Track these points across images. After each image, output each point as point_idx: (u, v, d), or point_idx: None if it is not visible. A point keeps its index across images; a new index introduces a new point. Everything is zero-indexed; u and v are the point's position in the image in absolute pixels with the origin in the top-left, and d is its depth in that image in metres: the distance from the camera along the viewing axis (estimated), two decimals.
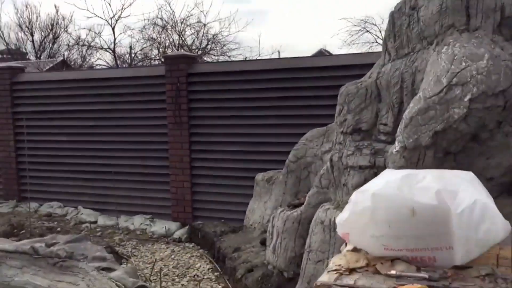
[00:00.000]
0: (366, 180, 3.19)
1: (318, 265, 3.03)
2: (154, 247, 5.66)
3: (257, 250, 4.40)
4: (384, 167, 3.15)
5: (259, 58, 17.39)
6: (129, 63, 20.74)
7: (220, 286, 4.36)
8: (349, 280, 1.66)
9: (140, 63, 20.24)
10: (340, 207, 3.01)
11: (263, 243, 4.45)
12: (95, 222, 6.68)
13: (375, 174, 3.17)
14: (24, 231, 5.77)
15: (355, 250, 1.88)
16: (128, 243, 5.76)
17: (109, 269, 4.43)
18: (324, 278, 1.68)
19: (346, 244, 2.03)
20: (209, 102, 6.42)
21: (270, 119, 6.07)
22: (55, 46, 27.82)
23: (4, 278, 4.83)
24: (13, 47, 27.67)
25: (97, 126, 7.16)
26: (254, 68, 6.29)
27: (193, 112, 6.50)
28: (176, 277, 4.64)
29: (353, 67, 5.45)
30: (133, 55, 20.83)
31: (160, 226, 6.18)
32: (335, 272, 1.71)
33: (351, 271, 1.73)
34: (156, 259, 5.05)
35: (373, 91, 3.24)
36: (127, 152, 6.96)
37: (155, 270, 4.77)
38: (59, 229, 6.10)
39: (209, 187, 6.43)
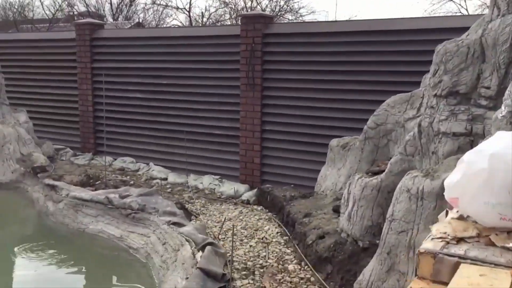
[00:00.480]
0: (460, 149, 2.91)
1: (401, 236, 2.81)
2: (222, 207, 5.65)
3: (329, 217, 4.24)
4: (482, 135, 2.84)
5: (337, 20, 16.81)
6: (203, 24, 20.82)
7: (289, 250, 4.26)
8: (457, 249, 1.45)
9: None
10: (430, 174, 2.76)
11: (336, 210, 4.27)
12: (165, 179, 6.78)
13: (472, 143, 2.87)
14: (99, 181, 5.94)
15: (461, 218, 1.65)
16: (197, 201, 5.78)
17: (179, 224, 4.45)
18: (429, 245, 1.48)
19: (447, 211, 1.80)
20: (284, 64, 6.22)
21: (347, 84, 5.79)
22: (132, 8, 28.48)
23: (79, 225, 5.01)
24: (92, 9, 28.63)
25: (171, 84, 7.18)
26: (332, 30, 5.97)
27: (267, 74, 6.34)
28: (244, 238, 4.59)
29: (433, 31, 5.04)
30: (205, 18, 20.87)
31: (228, 187, 6.16)
32: (440, 240, 1.51)
33: (459, 240, 1.51)
34: (224, 219, 5.02)
35: (476, 50, 2.90)
36: (199, 112, 6.95)
37: (224, 229, 4.74)
38: (132, 182, 6.24)
39: (279, 151, 6.30)
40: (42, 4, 25.83)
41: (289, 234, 4.57)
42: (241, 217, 5.22)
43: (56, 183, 5.74)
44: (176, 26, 21.40)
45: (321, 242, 3.87)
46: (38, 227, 5.43)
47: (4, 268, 4.43)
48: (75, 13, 26.79)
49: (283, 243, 4.44)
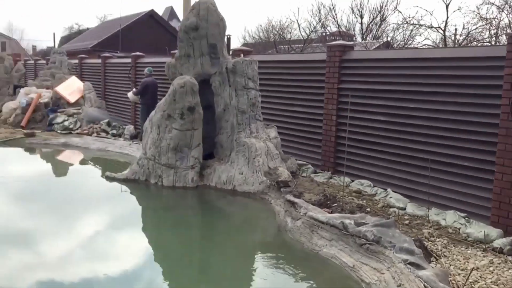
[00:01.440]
0: None
1: None
2: (468, 251, 4.97)
3: None
4: None
5: None
6: (458, 44, 19.42)
7: None
8: None
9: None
10: None
11: None
12: (404, 208, 6.38)
13: None
14: (336, 204, 5.94)
15: None
16: (438, 239, 5.24)
17: (417, 266, 4.07)
18: None
19: None
20: None
21: None
22: (381, 27, 28.57)
23: (314, 246, 5.05)
24: (343, 29, 29.74)
25: (418, 108, 6.76)
26: None
27: None
28: None
29: None
30: (460, 36, 19.40)
31: (476, 229, 5.41)
32: None
33: None
34: (472, 269, 4.39)
35: None
36: (446, 140, 6.35)
37: (470, 281, 4.14)
38: (368, 209, 6.06)
39: None
40: (299, 26, 27.94)
41: None
42: (491, 269, 4.49)
43: (296, 200, 5.96)
44: (429, 46, 20.48)
45: None
46: (276, 240, 5.71)
47: (244, 274, 4.76)
48: (327, 33, 28.26)
49: None
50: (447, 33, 21.45)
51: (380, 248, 4.46)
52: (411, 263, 4.09)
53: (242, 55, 9.00)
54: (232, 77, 7.77)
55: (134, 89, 11.96)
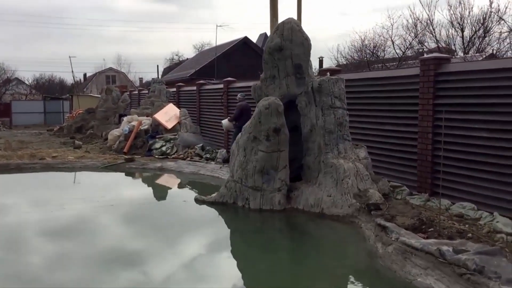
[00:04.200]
0: None
1: None
2: None
3: None
4: None
5: None
6: None
7: None
8: None
9: None
10: None
11: None
12: None
13: None
14: (432, 229, 5.43)
15: None
16: None
17: None
18: None
19: None
20: None
21: None
22: (485, 39, 26.70)
23: (407, 275, 4.63)
24: (442, 44, 28.23)
25: None
26: None
27: None
28: None
29: None
30: None
31: None
32: None
33: None
34: None
35: None
36: None
37: None
38: (470, 234, 5.46)
39: None
40: (393, 43, 27.04)
41: None
42: None
43: (387, 224, 5.56)
44: None
45: None
46: (365, 266, 5.33)
47: None
48: (425, 49, 27.00)
49: None
50: None
51: (484, 279, 3.95)
52: None
53: (328, 74, 8.79)
54: (318, 97, 7.58)
55: (229, 117, 12.18)
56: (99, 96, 25.43)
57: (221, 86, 15.03)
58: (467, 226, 6.13)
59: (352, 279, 5.07)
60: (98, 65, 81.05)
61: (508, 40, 23.82)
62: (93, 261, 5.44)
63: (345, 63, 29.87)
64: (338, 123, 7.46)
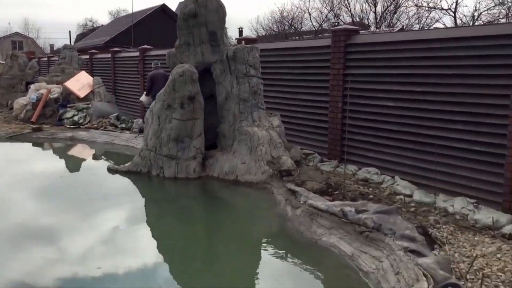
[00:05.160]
0: None
1: None
2: (476, 238, 4.72)
3: None
4: None
5: None
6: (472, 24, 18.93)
7: None
8: None
9: None
10: None
11: None
12: (410, 196, 6.14)
13: None
14: (338, 192, 5.73)
15: None
16: (444, 227, 4.99)
17: (418, 253, 3.85)
18: None
19: None
20: None
21: None
22: (396, 15, 28.00)
23: (313, 235, 4.86)
24: (357, 18, 29.23)
25: (426, 92, 6.49)
26: None
27: None
28: (500, 284, 3.67)
29: None
30: (475, 16, 18.88)
31: (485, 215, 5.15)
32: None
33: None
34: (476, 255, 4.15)
35: None
36: (456, 124, 6.08)
37: (474, 268, 3.90)
38: (371, 196, 5.83)
39: None
40: (310, 15, 27.55)
41: None
42: (498, 255, 4.24)
43: (296, 188, 5.78)
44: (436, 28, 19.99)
45: None
46: (275, 230, 5.54)
47: (244, 264, 4.60)
48: (340, 23, 27.81)
49: None
50: (462, 15, 20.90)
51: (380, 235, 4.26)
52: (412, 251, 3.88)
53: (243, 42, 8.80)
54: (233, 65, 7.58)
55: (145, 92, 11.61)
56: (3, 62, 23.60)
57: (137, 54, 14.54)
58: (370, 189, 6.53)
59: (264, 242, 5.24)
60: (2, 29, 74.85)
61: (415, 16, 25.18)
62: (1, 238, 5.11)
63: (264, 34, 30.05)
64: (253, 92, 7.54)
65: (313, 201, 5.22)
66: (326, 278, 4.20)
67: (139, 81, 14.32)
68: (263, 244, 5.17)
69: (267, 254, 4.83)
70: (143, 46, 14.45)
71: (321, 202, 5.13)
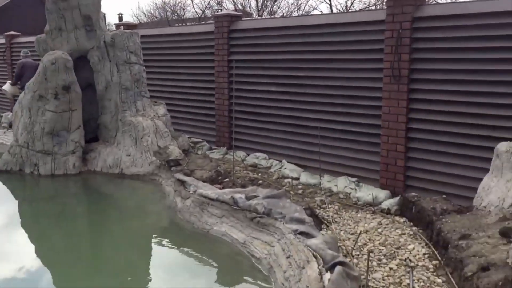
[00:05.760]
0: None
1: None
2: (358, 215, 4.97)
3: (494, 242, 3.34)
4: None
5: None
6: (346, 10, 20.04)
7: (440, 280, 3.46)
8: None
9: None
10: None
11: (505, 234, 3.36)
12: (298, 178, 6.31)
13: None
14: (227, 179, 5.67)
15: None
16: (329, 206, 5.19)
17: (307, 235, 3.92)
18: None
19: None
20: (437, 53, 5.29)
21: None
22: (276, 3, 28.68)
23: (204, 225, 4.75)
24: (239, 6, 29.44)
25: (307, 77, 6.67)
26: (504, 8, 4.86)
27: (416, 64, 5.47)
28: (383, 257, 3.88)
29: None
30: (349, 4, 20.01)
31: (366, 192, 5.45)
32: None
33: None
34: (360, 232, 4.35)
35: None
36: (336, 107, 6.33)
37: (359, 244, 4.09)
38: (260, 181, 5.87)
39: (428, 153, 5.40)
40: (192, 2, 27.19)
41: (440, 258, 3.75)
42: (379, 230, 4.50)
43: (185, 178, 5.61)
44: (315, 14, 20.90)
45: (484, 276, 3.02)
46: (165, 222, 5.34)
47: (133, 260, 4.34)
48: (223, 10, 27.79)
49: (431, 269, 3.64)
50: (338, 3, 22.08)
51: (271, 220, 4.27)
52: (301, 233, 3.94)
53: (122, 28, 8.34)
54: (112, 52, 7.13)
55: (10, 81, 10.44)
56: None
57: (3, 41, 13.17)
58: (259, 174, 6.59)
59: (154, 236, 5.02)
60: None
61: (295, 5, 26.04)
62: None
63: (146, 21, 29.07)
64: (135, 80, 7.17)
65: (203, 190, 5.10)
66: (220, 267, 4.12)
67: (6, 71, 13.00)
68: (153, 239, 4.95)
69: (158, 248, 4.63)
70: (9, 33, 13.12)
71: (211, 191, 5.03)
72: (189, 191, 5.31)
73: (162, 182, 6.26)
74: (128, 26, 9.53)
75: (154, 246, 4.75)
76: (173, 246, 4.63)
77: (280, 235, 4.04)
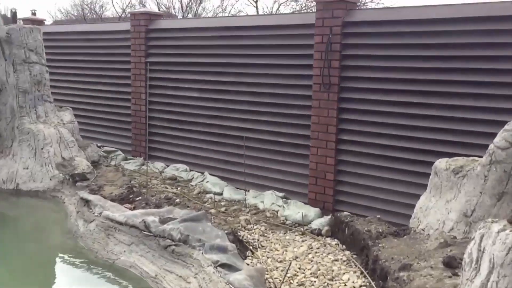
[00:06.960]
0: None
1: None
2: (287, 237, 4.49)
3: (439, 274, 2.97)
4: None
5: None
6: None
7: None
8: None
9: None
10: None
11: (449, 264, 3.01)
12: (221, 193, 5.74)
13: None
14: (140, 197, 4.98)
15: None
16: (255, 227, 4.66)
17: (230, 267, 3.36)
18: None
19: None
20: (369, 60, 4.97)
21: (461, 87, 4.41)
22: (202, 5, 28.01)
23: (110, 254, 4.04)
24: (163, 8, 28.44)
25: (232, 82, 6.14)
26: (442, 15, 4.60)
27: (347, 72, 5.12)
28: None
29: None
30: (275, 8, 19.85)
31: (295, 210, 4.99)
32: None
33: None
34: (290, 261, 3.85)
35: None
36: (262, 116, 5.85)
37: (288, 275, 3.59)
38: (178, 200, 5.23)
39: (359, 167, 5.06)
40: (112, 1, 25.84)
41: None
42: (310, 255, 4.04)
43: (90, 197, 4.85)
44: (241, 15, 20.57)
45: None
46: (64, 250, 4.52)
47: None
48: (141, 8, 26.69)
49: None
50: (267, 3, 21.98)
51: (188, 249, 3.67)
52: (223, 265, 3.38)
53: (21, 22, 7.37)
54: (7, 49, 6.18)
55: None
56: None
57: None
58: (179, 188, 5.96)
59: (48, 267, 4.23)
60: None
61: (221, 8, 25.55)
62: None
63: (61, 19, 27.27)
64: (36, 82, 6.27)
65: (110, 212, 4.38)
66: None
67: None
68: (47, 271, 4.16)
69: (52, 283, 3.86)
70: None
71: (119, 213, 4.32)
72: (93, 213, 4.56)
73: (65, 200, 5.44)
74: (33, 21, 8.51)
75: (48, 279, 3.97)
76: (69, 280, 3.88)
77: (198, 268, 3.44)
